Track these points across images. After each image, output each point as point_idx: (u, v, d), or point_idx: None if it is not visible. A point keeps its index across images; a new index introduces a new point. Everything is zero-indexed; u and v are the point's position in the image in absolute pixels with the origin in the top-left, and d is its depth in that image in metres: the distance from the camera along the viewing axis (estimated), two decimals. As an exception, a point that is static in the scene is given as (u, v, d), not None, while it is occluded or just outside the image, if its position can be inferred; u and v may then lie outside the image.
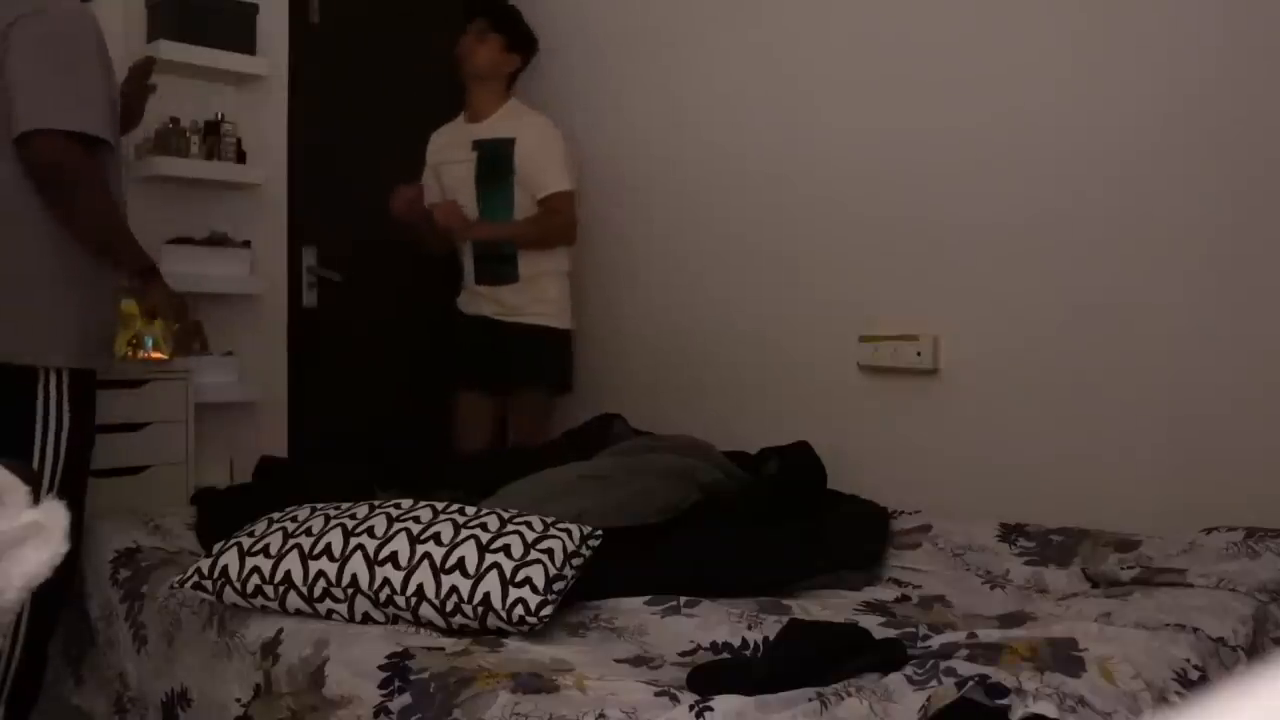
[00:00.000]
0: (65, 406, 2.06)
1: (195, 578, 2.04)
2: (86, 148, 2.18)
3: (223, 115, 3.54)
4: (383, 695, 1.70)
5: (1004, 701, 1.49)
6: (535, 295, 3.60)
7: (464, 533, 2.02)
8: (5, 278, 2.09)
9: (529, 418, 3.63)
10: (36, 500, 1.09)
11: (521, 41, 3.69)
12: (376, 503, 2.18)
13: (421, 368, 3.95)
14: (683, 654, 1.91)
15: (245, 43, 3.55)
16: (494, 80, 3.65)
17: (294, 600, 1.98)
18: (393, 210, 3.52)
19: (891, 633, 1.91)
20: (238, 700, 1.93)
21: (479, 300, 3.64)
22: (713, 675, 1.69)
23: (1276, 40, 2.65)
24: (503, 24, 3.64)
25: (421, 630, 1.94)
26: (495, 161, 3.59)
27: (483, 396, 3.65)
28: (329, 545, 2.00)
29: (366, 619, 1.96)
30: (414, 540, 2.01)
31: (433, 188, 3.68)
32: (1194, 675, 1.66)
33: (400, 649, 1.79)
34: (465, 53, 3.61)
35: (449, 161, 3.67)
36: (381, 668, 1.75)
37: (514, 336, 3.58)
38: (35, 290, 2.11)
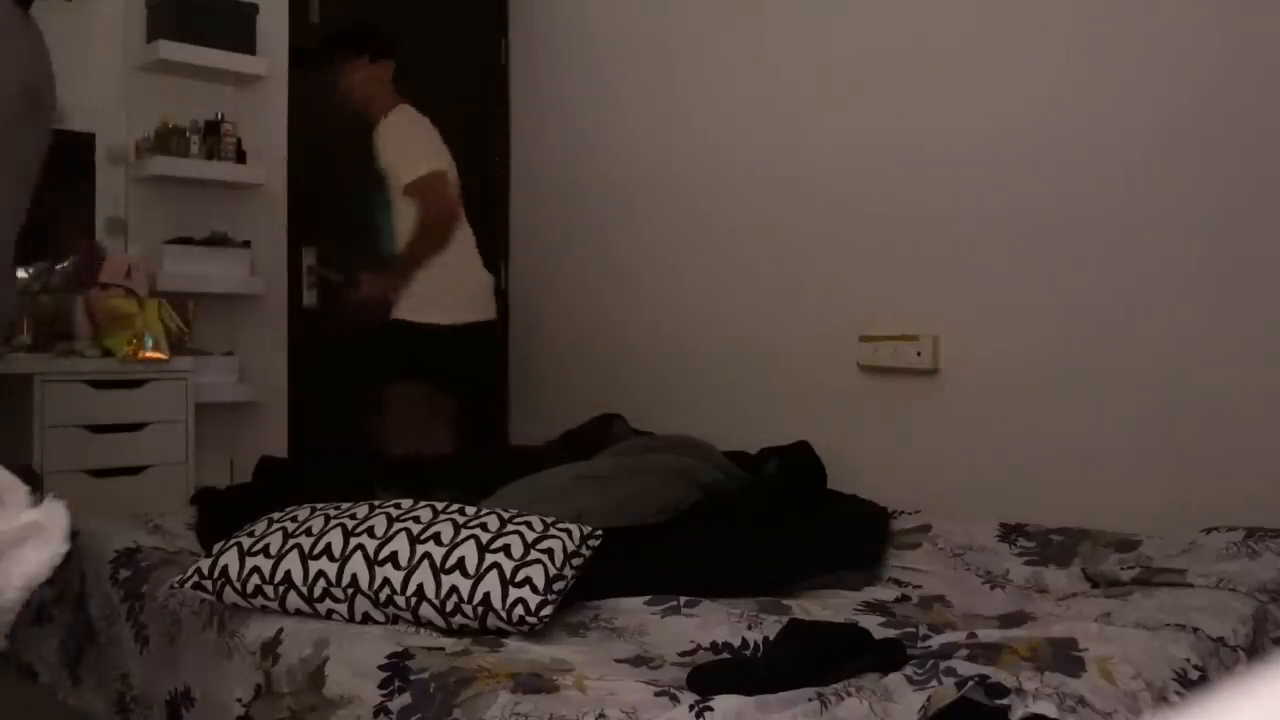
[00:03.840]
0: None
1: (195, 578, 2.04)
2: None
3: (223, 115, 3.54)
4: (383, 695, 1.70)
5: (1004, 701, 1.49)
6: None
7: (464, 533, 2.02)
8: None
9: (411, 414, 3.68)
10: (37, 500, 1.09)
11: (380, 45, 3.65)
12: (376, 503, 2.18)
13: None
14: (683, 654, 1.91)
15: (245, 43, 3.55)
16: (382, 92, 3.63)
17: (294, 600, 1.98)
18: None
19: (891, 633, 1.91)
20: (239, 700, 1.93)
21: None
22: (713, 675, 1.69)
23: (1273, 42, 2.65)
24: (359, 43, 3.61)
25: (421, 630, 1.94)
26: (374, 164, 3.62)
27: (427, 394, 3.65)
28: (329, 545, 2.00)
29: (366, 619, 1.96)
30: (414, 540, 2.01)
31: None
32: (1194, 675, 1.66)
33: (400, 649, 1.79)
34: (344, 98, 3.62)
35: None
36: (381, 668, 1.74)
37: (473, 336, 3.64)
38: None
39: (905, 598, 2.26)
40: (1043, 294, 2.98)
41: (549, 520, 2.09)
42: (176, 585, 2.11)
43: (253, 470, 3.09)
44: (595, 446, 2.95)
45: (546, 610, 1.93)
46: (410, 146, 3.54)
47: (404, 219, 3.52)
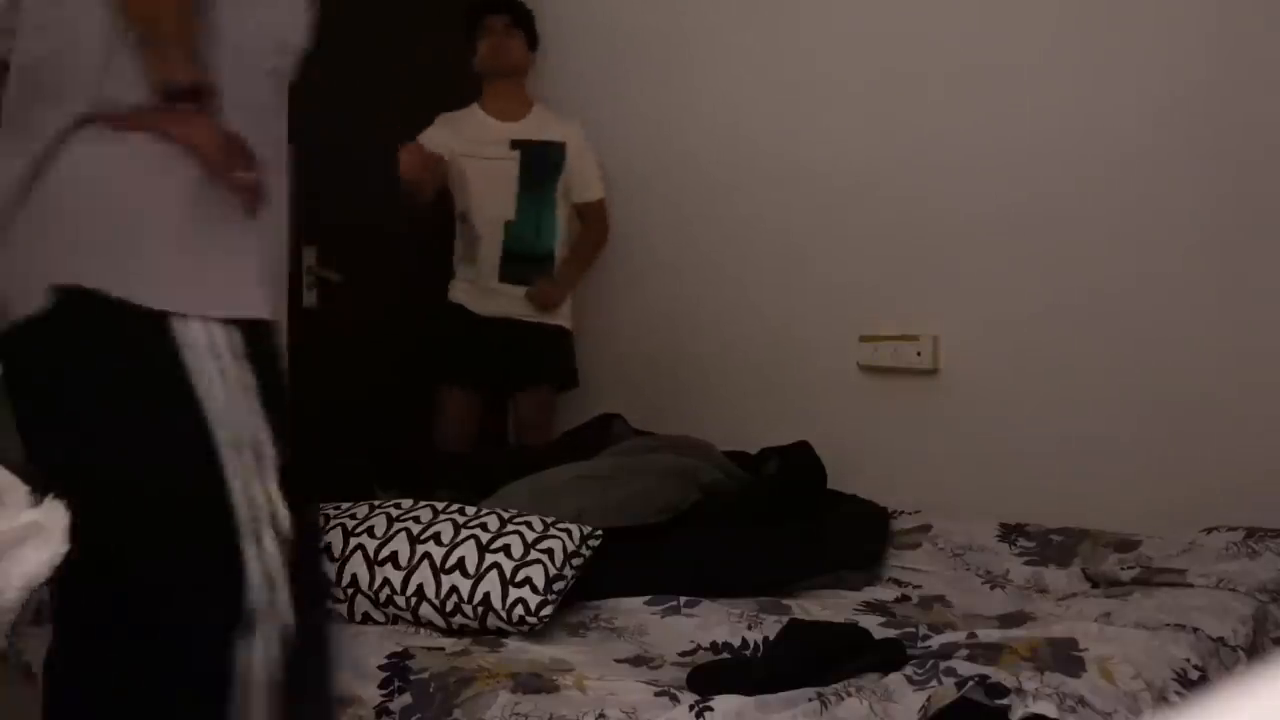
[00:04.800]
0: None
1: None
2: None
3: (222, 115, 3.54)
4: (383, 695, 1.70)
5: (1004, 701, 1.49)
6: (548, 296, 3.57)
7: (464, 533, 2.02)
8: None
9: (540, 415, 3.60)
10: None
11: (535, 41, 3.67)
12: (376, 503, 2.18)
13: (422, 367, 3.94)
14: (683, 654, 1.90)
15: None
16: (520, 78, 3.61)
17: (294, 600, 1.98)
18: (403, 171, 3.37)
19: (891, 633, 1.91)
20: (238, 700, 1.93)
21: (496, 298, 3.52)
22: (713, 675, 1.69)
23: (1271, 40, 2.65)
24: (523, 21, 3.60)
25: (421, 630, 1.94)
26: (544, 165, 3.55)
27: (472, 394, 3.57)
28: (329, 545, 2.01)
29: (366, 619, 1.96)
30: (414, 540, 2.01)
31: (438, 175, 3.54)
32: (1194, 675, 1.66)
33: (400, 649, 1.79)
34: (495, 49, 3.54)
35: (480, 156, 3.53)
36: (381, 668, 1.74)
37: (530, 336, 3.53)
38: None
39: (905, 598, 2.26)
40: (1043, 294, 2.98)
41: (549, 520, 2.09)
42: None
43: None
44: (596, 446, 2.95)
45: (546, 610, 1.93)
46: (594, 166, 3.61)
47: (562, 230, 3.56)
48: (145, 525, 1.37)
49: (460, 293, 3.57)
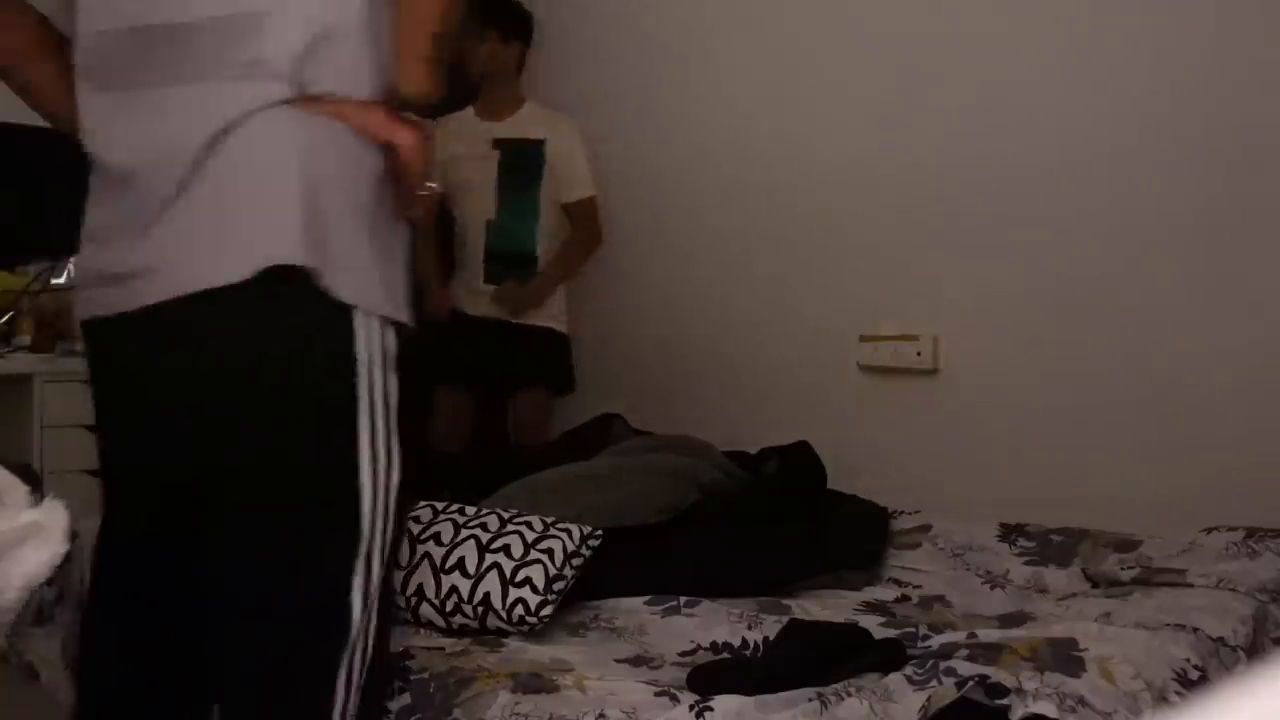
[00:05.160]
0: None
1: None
2: None
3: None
4: (383, 695, 1.70)
5: (1004, 701, 1.49)
6: (539, 295, 3.56)
7: (464, 533, 2.02)
8: None
9: (537, 417, 3.58)
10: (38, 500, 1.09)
11: (515, 26, 3.61)
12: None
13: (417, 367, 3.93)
14: (683, 654, 1.90)
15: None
16: (503, 74, 3.58)
17: (294, 600, 1.98)
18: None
19: (891, 633, 1.91)
20: (238, 700, 1.93)
21: (483, 300, 3.54)
22: (713, 675, 1.69)
23: (1270, 40, 2.65)
24: (491, 17, 3.54)
25: (421, 630, 1.94)
26: (523, 163, 3.51)
27: (465, 395, 3.57)
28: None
29: (366, 619, 1.96)
30: (414, 540, 2.01)
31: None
32: (1194, 675, 1.66)
33: (400, 649, 1.79)
34: (488, 66, 3.54)
35: (462, 156, 3.54)
36: (381, 668, 1.74)
37: (520, 338, 3.52)
38: None
39: (905, 598, 2.26)
40: (1043, 294, 2.98)
41: (549, 520, 2.09)
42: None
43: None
44: (596, 446, 2.95)
45: (546, 610, 1.93)
46: (582, 164, 3.55)
47: (546, 230, 3.54)
48: (296, 515, 1.36)
49: (455, 294, 3.59)
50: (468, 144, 3.53)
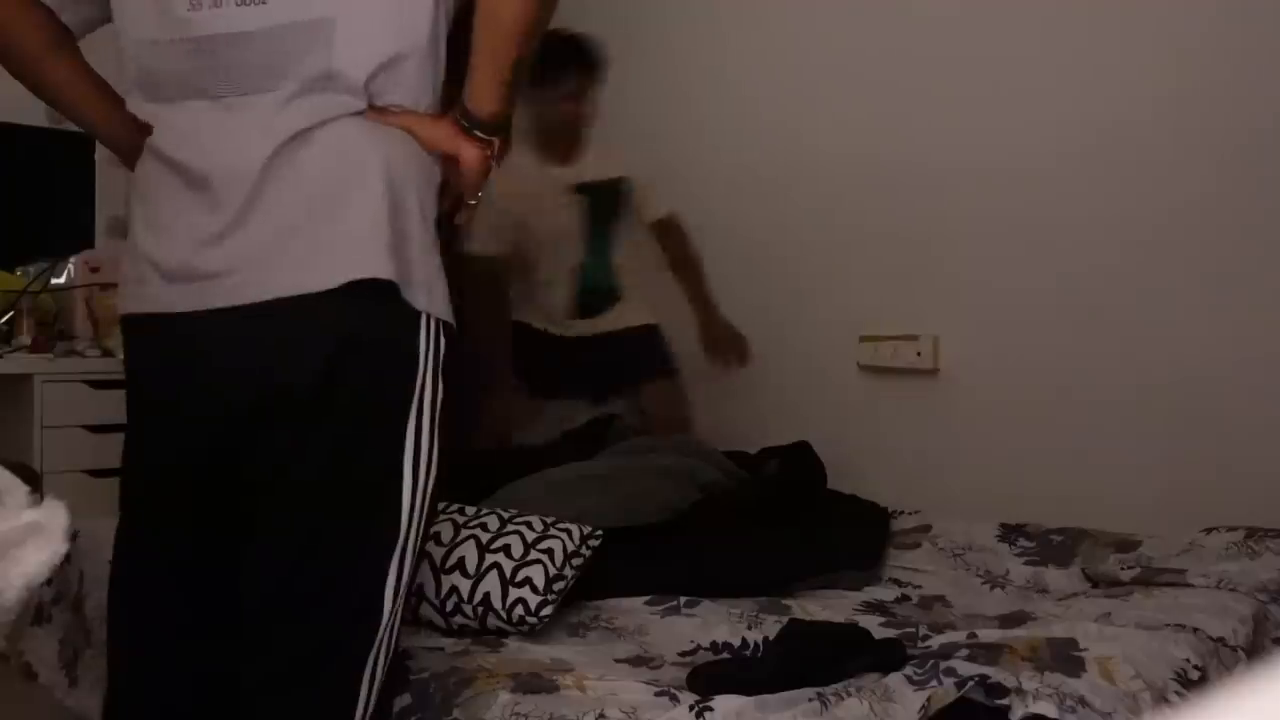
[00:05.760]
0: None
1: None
2: None
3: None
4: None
5: (1004, 701, 1.49)
6: (635, 305, 3.47)
7: (464, 533, 2.02)
8: None
9: (674, 406, 3.48)
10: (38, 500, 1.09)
11: (601, 75, 3.43)
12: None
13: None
14: (683, 654, 1.91)
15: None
16: (587, 125, 3.46)
17: (294, 600, 1.98)
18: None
19: (891, 633, 1.91)
20: (238, 700, 1.93)
21: (574, 329, 3.42)
22: (713, 675, 1.69)
23: (1272, 39, 2.65)
24: (598, 75, 3.37)
25: (421, 630, 1.94)
26: (611, 203, 3.43)
27: (582, 405, 3.44)
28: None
29: (366, 619, 1.96)
30: (414, 540, 2.00)
31: (501, 229, 3.32)
32: (1194, 675, 1.66)
33: (400, 649, 1.79)
34: (571, 118, 3.36)
35: (541, 211, 3.36)
36: (381, 668, 1.74)
37: (619, 343, 3.42)
38: None
39: (905, 598, 2.26)
40: (1043, 294, 2.98)
41: (549, 520, 2.09)
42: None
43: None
44: (595, 446, 2.95)
45: (546, 610, 1.93)
46: (649, 184, 3.47)
47: (630, 251, 3.45)
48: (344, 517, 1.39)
49: (532, 319, 3.45)
50: (545, 197, 3.36)
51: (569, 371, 3.42)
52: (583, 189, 3.40)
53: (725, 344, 3.41)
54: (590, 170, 3.42)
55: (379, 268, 1.34)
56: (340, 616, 1.39)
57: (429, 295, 1.40)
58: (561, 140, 3.40)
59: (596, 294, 3.43)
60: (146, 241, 1.43)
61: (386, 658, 1.41)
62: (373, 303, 1.35)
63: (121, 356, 1.55)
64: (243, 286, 1.35)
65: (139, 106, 1.45)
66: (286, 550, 1.38)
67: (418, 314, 1.38)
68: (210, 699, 1.47)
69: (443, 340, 1.42)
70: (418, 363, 1.39)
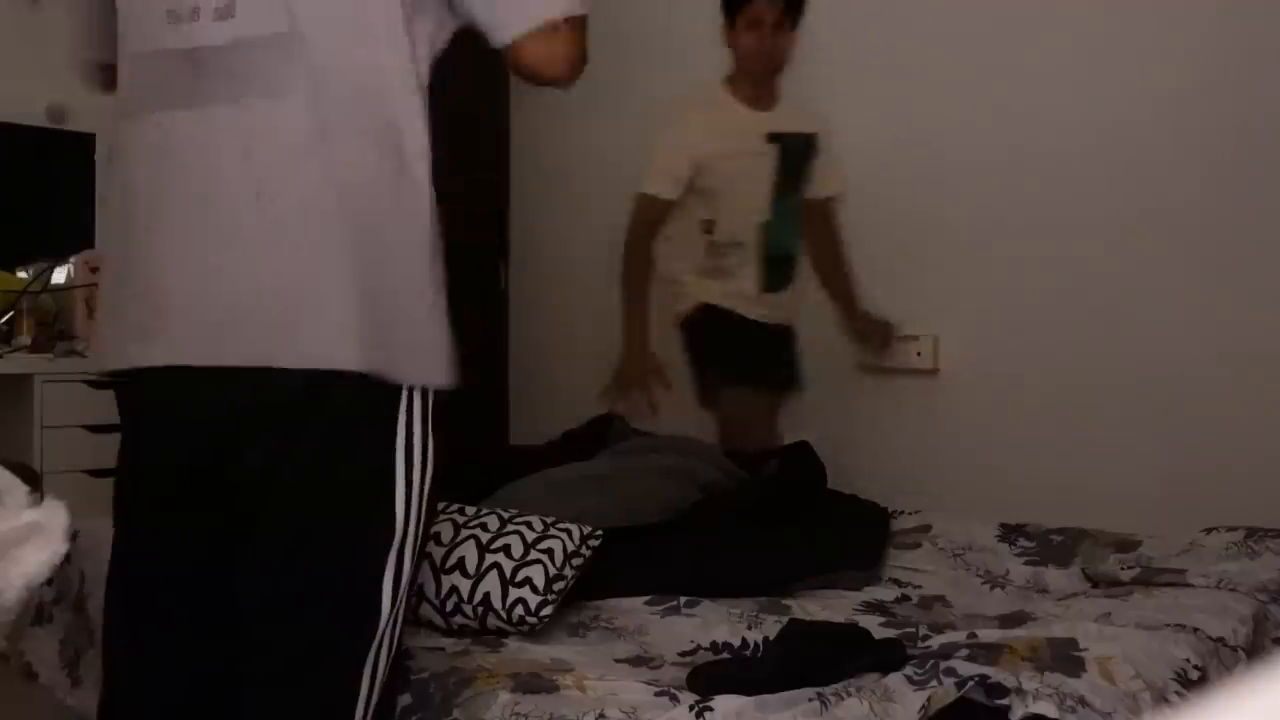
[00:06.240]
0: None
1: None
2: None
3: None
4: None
5: (1004, 701, 1.49)
6: (800, 297, 3.24)
7: (464, 533, 2.02)
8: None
9: (777, 420, 3.24)
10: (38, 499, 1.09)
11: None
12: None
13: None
14: (683, 654, 1.90)
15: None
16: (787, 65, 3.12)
17: (294, 600, 1.98)
18: (625, 379, 3.07)
19: (891, 633, 1.91)
20: (238, 700, 1.93)
21: (759, 305, 3.14)
22: (713, 675, 1.69)
23: (1272, 39, 2.65)
24: (795, 8, 3.02)
25: (421, 630, 1.94)
26: (800, 161, 3.08)
27: (761, 394, 3.18)
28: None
29: (366, 619, 1.96)
30: (414, 540, 2.00)
31: (678, 172, 3.03)
32: (1194, 675, 1.66)
33: (403, 648, 1.79)
34: (768, 50, 3.02)
35: (733, 154, 3.04)
36: (381, 668, 1.74)
37: (785, 339, 3.21)
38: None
39: (905, 598, 2.26)
40: (1043, 294, 2.98)
41: (549, 520, 2.09)
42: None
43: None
44: (595, 446, 2.95)
45: (546, 610, 1.93)
46: (836, 158, 3.16)
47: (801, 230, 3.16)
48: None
49: (711, 296, 3.16)
50: (737, 138, 3.07)
51: (754, 356, 3.14)
52: (778, 139, 3.09)
53: (874, 331, 3.18)
54: (786, 119, 3.10)
55: (345, 360, 1.34)
56: (337, 616, 1.39)
57: (420, 365, 1.40)
58: (758, 78, 3.08)
59: (782, 263, 3.13)
60: (119, 286, 1.44)
61: (388, 656, 1.41)
62: (342, 394, 1.36)
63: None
64: (200, 352, 1.36)
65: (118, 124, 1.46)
66: (280, 551, 1.38)
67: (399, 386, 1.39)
68: (206, 699, 1.47)
69: (428, 403, 1.42)
70: (397, 396, 1.39)
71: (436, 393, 1.42)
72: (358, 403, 1.37)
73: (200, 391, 1.38)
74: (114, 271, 1.45)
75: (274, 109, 1.35)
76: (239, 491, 1.40)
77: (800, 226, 3.11)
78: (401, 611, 1.42)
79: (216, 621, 1.44)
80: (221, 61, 1.35)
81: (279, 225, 1.34)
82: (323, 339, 1.34)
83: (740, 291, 3.11)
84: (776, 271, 3.11)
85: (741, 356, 3.13)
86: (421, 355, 1.39)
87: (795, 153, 3.07)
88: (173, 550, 1.46)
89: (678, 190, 3.01)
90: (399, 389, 1.37)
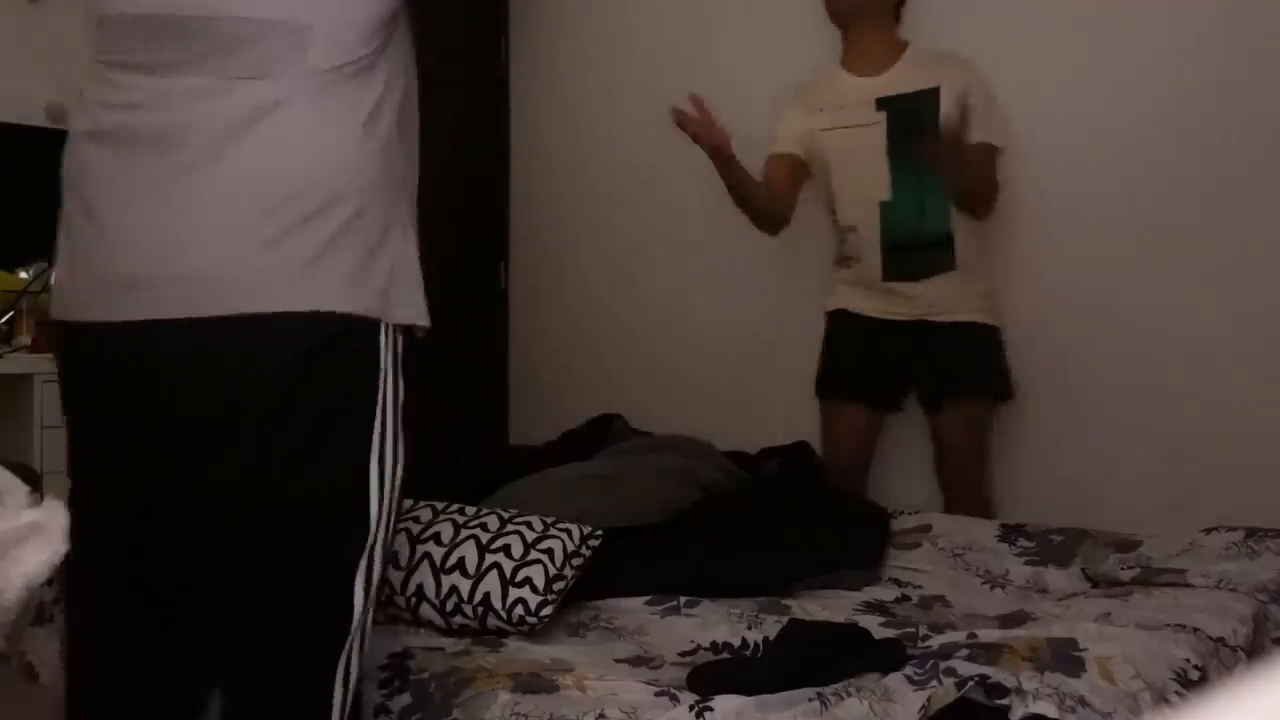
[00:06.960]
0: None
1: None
2: None
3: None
4: (383, 695, 1.70)
5: (1004, 701, 1.49)
6: (976, 286, 2.85)
7: (464, 533, 2.03)
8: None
9: (969, 435, 2.89)
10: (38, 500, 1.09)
11: None
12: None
13: (429, 366, 3.87)
14: (683, 654, 1.91)
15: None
16: (879, 17, 2.85)
17: (294, 600, 1.98)
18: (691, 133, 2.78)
19: (891, 633, 1.91)
20: (238, 700, 1.93)
21: (890, 299, 2.86)
22: (713, 675, 1.70)
23: (1273, 38, 2.66)
24: None
25: (421, 630, 1.94)
26: (915, 122, 2.71)
27: (865, 410, 2.98)
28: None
29: (366, 619, 1.96)
30: (414, 540, 2.01)
31: (794, 161, 2.89)
32: (1194, 675, 1.66)
33: (400, 649, 1.79)
34: (878, 8, 2.84)
35: (838, 126, 2.83)
36: (382, 668, 1.74)
37: (938, 339, 2.84)
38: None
39: (905, 598, 2.26)
40: (1041, 294, 2.98)
41: (549, 520, 2.09)
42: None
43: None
44: (595, 446, 2.95)
45: (546, 610, 1.93)
46: (990, 108, 2.77)
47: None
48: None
49: (842, 297, 2.97)
50: (842, 109, 2.85)
51: (864, 365, 2.94)
52: (885, 103, 2.81)
53: (948, 159, 2.67)
54: (899, 81, 2.82)
55: (337, 304, 1.34)
56: (313, 617, 1.39)
57: (402, 304, 1.41)
58: (861, 38, 2.86)
59: (910, 247, 2.80)
60: (93, 242, 1.40)
61: (360, 656, 1.41)
62: (333, 331, 1.36)
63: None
64: (189, 300, 1.33)
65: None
66: (256, 552, 1.37)
67: (377, 325, 1.38)
68: (175, 699, 1.46)
69: (400, 340, 1.42)
70: (379, 363, 1.38)
71: (406, 394, 1.42)
72: (341, 373, 1.37)
73: (176, 377, 1.35)
74: (79, 225, 1.41)
75: (246, 78, 1.34)
76: (214, 487, 1.38)
77: (946, 205, 2.76)
78: (371, 612, 1.42)
79: (183, 620, 1.43)
80: (191, 28, 1.35)
81: (247, 181, 1.33)
82: (307, 290, 1.34)
83: (862, 279, 2.87)
84: (905, 256, 2.80)
85: (845, 366, 2.97)
86: (399, 297, 1.40)
87: (909, 116, 2.74)
88: (140, 545, 1.43)
89: (789, 148, 2.88)
90: (378, 356, 1.37)
